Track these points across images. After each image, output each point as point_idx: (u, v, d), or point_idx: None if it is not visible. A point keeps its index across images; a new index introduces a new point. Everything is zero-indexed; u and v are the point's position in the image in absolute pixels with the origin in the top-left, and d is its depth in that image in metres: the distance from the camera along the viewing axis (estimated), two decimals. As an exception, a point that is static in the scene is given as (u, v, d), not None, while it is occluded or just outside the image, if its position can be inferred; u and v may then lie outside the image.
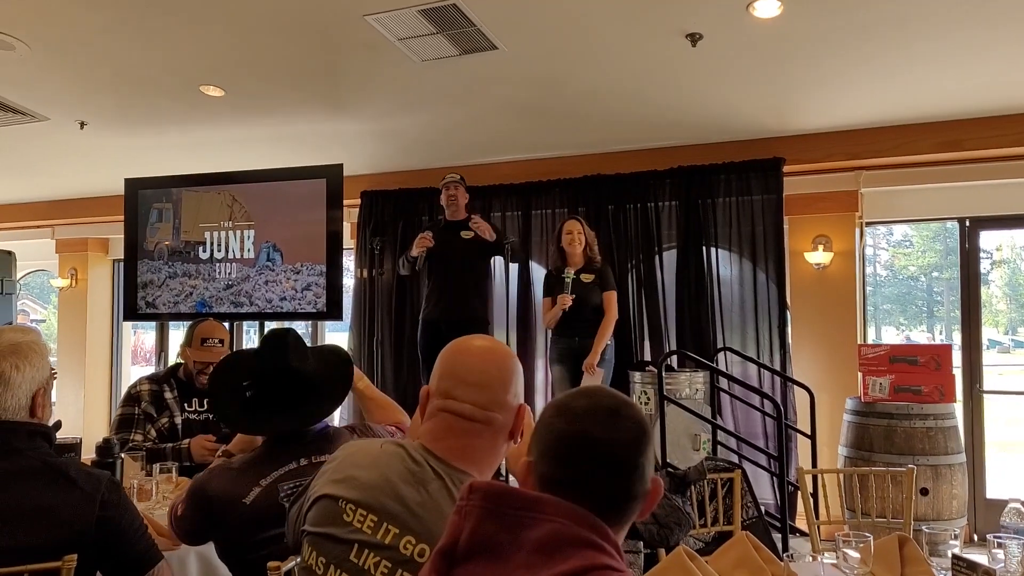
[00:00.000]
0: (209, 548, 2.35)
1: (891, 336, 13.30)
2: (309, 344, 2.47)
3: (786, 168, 5.58)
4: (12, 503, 1.77)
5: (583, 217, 5.55)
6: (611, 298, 5.25)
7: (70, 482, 1.84)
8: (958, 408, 5.12)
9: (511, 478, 4.86)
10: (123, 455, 3.07)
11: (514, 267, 6.19)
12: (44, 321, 12.78)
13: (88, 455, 3.06)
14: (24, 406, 1.90)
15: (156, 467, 3.07)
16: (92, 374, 8.08)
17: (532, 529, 1.13)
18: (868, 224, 5.91)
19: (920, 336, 13.55)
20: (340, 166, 5.81)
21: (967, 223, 5.66)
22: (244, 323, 6.48)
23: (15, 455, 1.83)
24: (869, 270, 6.08)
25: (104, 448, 2.96)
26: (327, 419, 2.40)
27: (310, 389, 2.31)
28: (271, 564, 1.82)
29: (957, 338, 5.72)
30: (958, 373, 5.42)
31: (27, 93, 5.13)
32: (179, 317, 6.19)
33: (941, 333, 13.16)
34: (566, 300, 5.16)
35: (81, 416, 7.81)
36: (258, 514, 2.08)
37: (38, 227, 8.27)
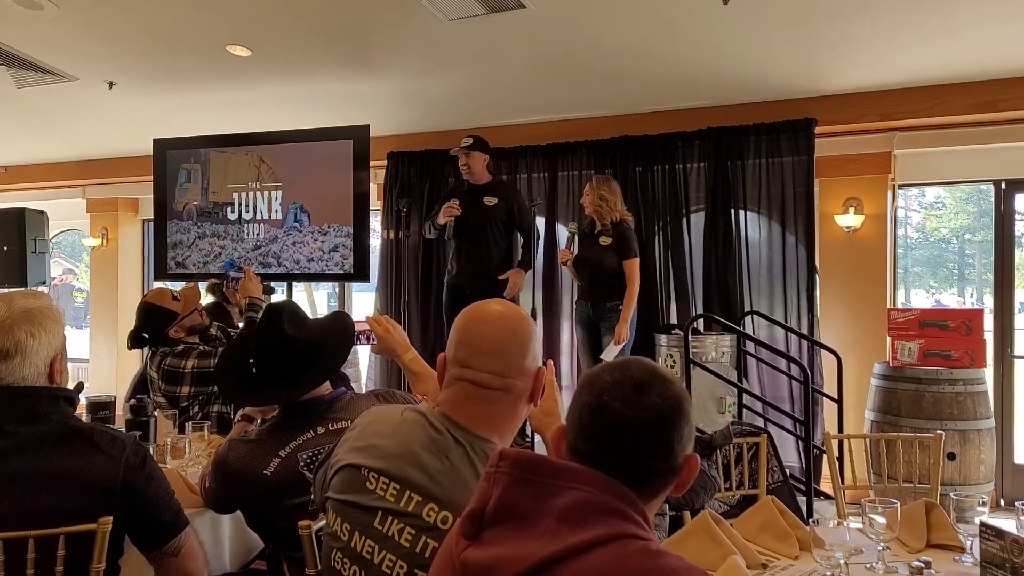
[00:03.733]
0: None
1: (921, 299, 13.16)
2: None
3: (818, 129, 5.48)
4: (38, 468, 1.76)
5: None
6: (630, 267, 5.11)
7: (94, 446, 1.82)
8: (988, 373, 5.07)
9: (536, 439, 4.90)
10: (156, 414, 3.12)
11: (540, 230, 6.18)
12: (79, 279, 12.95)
13: (121, 414, 3.12)
14: (42, 373, 1.85)
15: (188, 425, 3.12)
16: (125, 333, 8.15)
17: (559, 496, 1.14)
18: (900, 186, 5.81)
19: (950, 300, 13.39)
20: (366, 127, 5.79)
21: (1002, 185, 5.55)
22: (273, 284, 6.53)
23: (39, 420, 1.81)
24: (900, 232, 5.98)
25: (137, 407, 3.01)
26: (345, 385, 2.41)
27: (307, 357, 2.28)
28: (302, 523, 1.85)
29: (989, 302, 5.64)
30: (989, 337, 5.35)
31: (56, 53, 5.15)
32: (208, 277, 6.23)
33: (972, 296, 13.01)
34: (564, 255, 5.22)
35: (114, 374, 7.94)
36: (280, 484, 2.12)
37: (69, 187, 8.34)
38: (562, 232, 6.09)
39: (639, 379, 1.20)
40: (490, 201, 5.37)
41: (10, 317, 1.81)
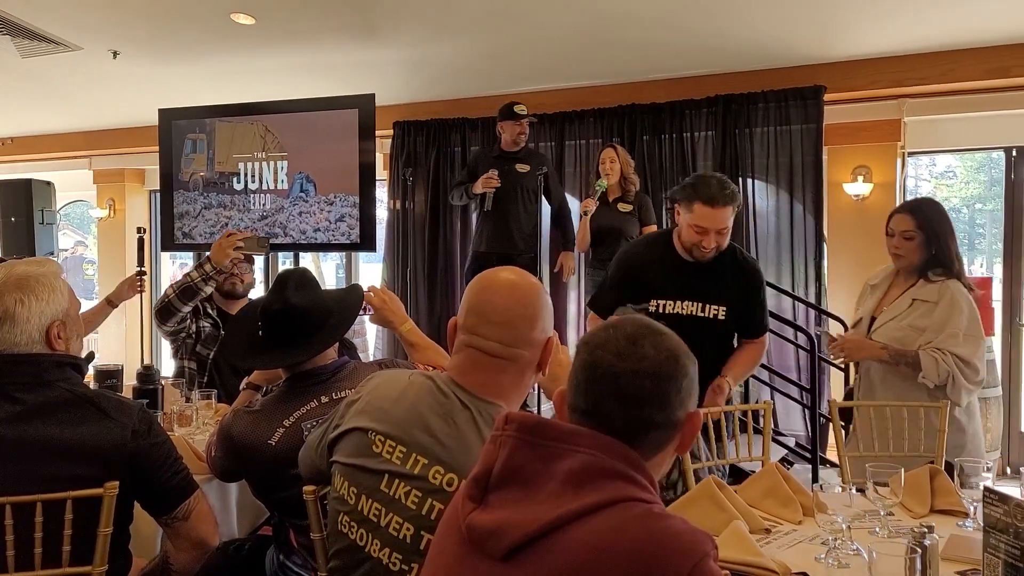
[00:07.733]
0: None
1: (930, 269, 13.04)
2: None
3: (827, 97, 5.42)
4: (46, 435, 1.77)
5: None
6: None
7: (101, 413, 1.83)
8: (996, 342, 5.05)
9: (543, 407, 4.92)
10: (162, 382, 3.14)
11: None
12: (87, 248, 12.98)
13: (129, 382, 3.14)
14: (37, 340, 1.85)
15: (196, 393, 3.14)
16: (132, 303, 8.19)
17: (564, 460, 1.15)
18: (910, 154, 5.76)
19: (960, 270, 13.30)
20: (372, 96, 5.76)
21: (1013, 153, 5.50)
22: (279, 254, 6.53)
23: (45, 387, 1.82)
24: (909, 201, 5.95)
25: (145, 375, 3.03)
26: (352, 355, 2.41)
27: (307, 323, 2.28)
28: (307, 488, 1.86)
29: (999, 272, 5.62)
30: (997, 306, 5.33)
31: (60, 22, 5.12)
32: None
33: (982, 267, 12.93)
34: (588, 204, 5.02)
35: (123, 344, 7.98)
36: (285, 454, 2.12)
37: (75, 157, 8.32)
38: (571, 203, 6.04)
39: (632, 332, 1.21)
40: (523, 168, 5.27)
41: (3, 285, 1.83)
